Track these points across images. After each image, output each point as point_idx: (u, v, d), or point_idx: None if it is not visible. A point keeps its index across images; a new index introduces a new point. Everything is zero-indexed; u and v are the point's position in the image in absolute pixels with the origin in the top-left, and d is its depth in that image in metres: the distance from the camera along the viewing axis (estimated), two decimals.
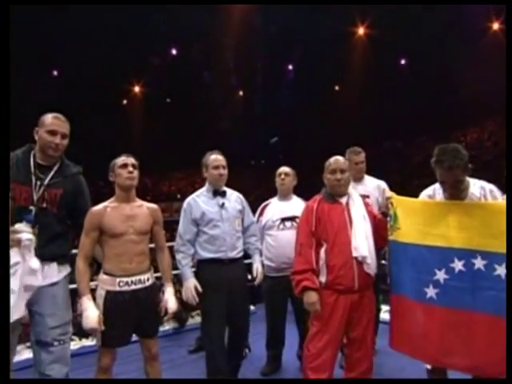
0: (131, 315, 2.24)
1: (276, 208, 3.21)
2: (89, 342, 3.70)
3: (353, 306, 2.39)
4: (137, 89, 22.60)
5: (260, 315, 2.85)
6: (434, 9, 14.80)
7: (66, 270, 2.27)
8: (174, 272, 3.44)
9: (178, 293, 4.14)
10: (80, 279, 2.21)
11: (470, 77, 15.67)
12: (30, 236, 2.00)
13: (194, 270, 2.74)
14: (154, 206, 2.44)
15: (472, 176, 2.20)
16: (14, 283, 1.93)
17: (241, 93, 23.15)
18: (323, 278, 2.40)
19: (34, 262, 2.00)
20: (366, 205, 2.55)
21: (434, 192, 2.31)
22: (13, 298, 1.92)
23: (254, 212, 3.25)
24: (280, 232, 3.11)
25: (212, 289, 2.62)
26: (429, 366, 2.27)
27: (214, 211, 2.70)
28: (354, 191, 2.61)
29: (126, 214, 2.27)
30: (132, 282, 2.23)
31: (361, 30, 18.89)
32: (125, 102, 22.98)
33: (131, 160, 2.31)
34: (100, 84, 17.50)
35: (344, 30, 18.13)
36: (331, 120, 19.46)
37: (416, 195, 2.40)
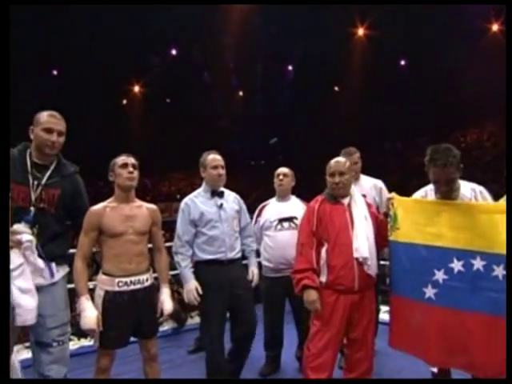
0: (130, 316, 2.24)
1: (274, 209, 3.21)
2: (87, 342, 3.69)
3: (353, 307, 2.39)
4: (136, 89, 22.59)
5: (258, 316, 2.85)
6: (434, 9, 14.79)
7: (65, 270, 2.27)
8: (172, 272, 3.44)
9: (176, 293, 4.18)
10: (78, 279, 2.20)
11: (470, 78, 15.69)
12: (30, 237, 2.00)
13: (192, 270, 2.74)
14: (153, 206, 2.44)
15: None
16: (26, 282, 1.94)
17: (240, 93, 23.15)
18: (324, 278, 2.41)
19: (40, 262, 2.02)
20: (369, 205, 2.55)
21: (426, 193, 2.34)
22: (31, 298, 1.94)
23: (253, 212, 3.26)
24: (278, 233, 3.11)
25: (212, 289, 2.61)
26: (434, 369, 2.27)
27: (213, 212, 2.69)
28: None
29: (126, 214, 2.27)
30: (131, 282, 2.23)
31: (360, 31, 18.90)
32: (124, 101, 22.98)
33: (131, 160, 2.30)
34: (100, 84, 17.50)
35: (344, 30, 18.12)
36: (331, 121, 19.47)
37: None
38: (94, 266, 4.05)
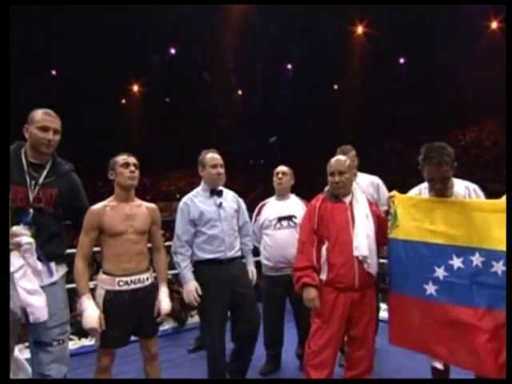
0: (130, 315, 2.24)
1: (273, 207, 3.21)
2: (88, 342, 3.70)
3: (353, 305, 2.40)
4: (136, 88, 22.60)
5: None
6: (434, 8, 14.79)
7: (63, 269, 2.26)
8: (172, 272, 3.44)
9: (175, 293, 4.18)
10: (79, 279, 2.20)
11: (469, 76, 15.70)
12: (30, 239, 1.99)
13: (192, 270, 2.74)
14: (152, 205, 2.44)
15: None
16: (30, 283, 1.94)
17: (240, 92, 23.15)
18: (324, 276, 2.42)
19: (39, 265, 2.01)
20: (370, 204, 2.55)
21: (420, 192, 2.37)
22: (39, 297, 1.94)
23: (252, 211, 3.26)
24: (277, 231, 3.11)
25: (212, 289, 2.60)
26: (439, 366, 2.27)
27: (212, 211, 2.68)
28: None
29: (126, 213, 2.27)
30: (131, 281, 2.23)
31: (360, 29, 18.90)
32: (124, 101, 22.97)
33: (133, 159, 2.31)
34: (99, 83, 17.49)
35: (343, 29, 18.14)
36: (330, 119, 19.47)
37: None
38: (95, 265, 4.05)
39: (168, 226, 4.19)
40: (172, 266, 2.76)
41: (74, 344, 3.68)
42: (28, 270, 1.96)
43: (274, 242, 3.11)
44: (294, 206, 3.17)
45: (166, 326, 4.21)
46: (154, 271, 2.44)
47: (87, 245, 2.23)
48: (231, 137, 21.14)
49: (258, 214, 3.26)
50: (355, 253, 2.35)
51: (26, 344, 3.17)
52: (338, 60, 18.79)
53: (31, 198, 2.08)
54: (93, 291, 2.28)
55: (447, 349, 2.10)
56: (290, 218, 3.11)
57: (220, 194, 2.75)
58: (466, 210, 2.08)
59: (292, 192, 3.30)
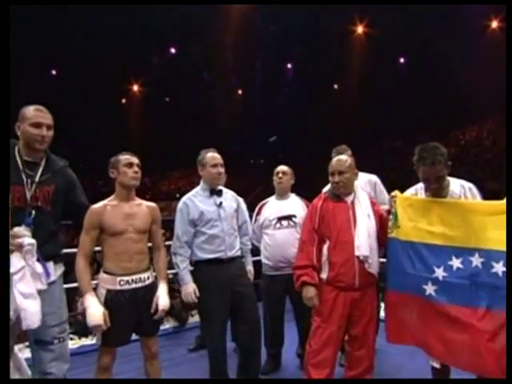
0: (131, 314, 2.25)
1: (273, 207, 3.21)
2: (88, 341, 3.70)
3: (353, 304, 2.41)
4: (136, 88, 22.60)
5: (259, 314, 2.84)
6: (434, 8, 14.79)
7: (61, 268, 2.25)
8: (172, 271, 3.44)
9: (176, 292, 4.18)
10: (81, 277, 2.20)
11: (469, 75, 15.68)
12: (32, 240, 1.97)
13: (191, 269, 2.73)
14: (152, 204, 2.44)
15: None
16: (27, 287, 1.92)
17: (240, 92, 23.15)
18: (325, 275, 2.43)
19: (38, 267, 1.99)
20: (373, 203, 2.55)
21: (417, 192, 2.39)
22: (34, 302, 1.91)
23: (252, 211, 3.26)
24: (277, 231, 3.12)
25: (212, 289, 2.60)
26: (436, 365, 2.28)
27: (212, 210, 2.67)
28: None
29: (126, 212, 2.27)
30: (132, 280, 2.23)
31: (360, 29, 18.90)
32: (124, 101, 22.98)
33: (136, 160, 2.32)
34: (99, 83, 17.50)
35: (343, 28, 18.14)
36: (330, 119, 19.47)
37: None
38: (95, 265, 4.06)
39: (168, 226, 4.19)
40: (172, 265, 2.76)
41: (75, 343, 3.68)
42: (27, 272, 1.95)
43: (273, 242, 3.12)
44: (294, 205, 3.18)
45: (167, 325, 4.22)
46: (154, 270, 2.44)
47: (88, 244, 2.24)
48: (231, 136, 21.12)
49: (258, 213, 3.26)
50: (356, 252, 2.36)
51: (27, 343, 3.18)
52: (338, 60, 18.79)
53: (28, 196, 2.06)
54: (94, 291, 2.28)
55: (446, 349, 2.10)
56: (289, 217, 3.11)
57: (220, 193, 2.74)
58: (464, 211, 2.09)
59: (292, 192, 3.30)
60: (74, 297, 3.96)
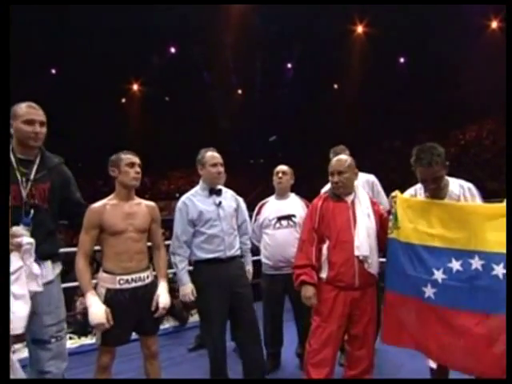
0: (131, 313, 2.25)
1: (273, 207, 3.21)
2: (88, 341, 3.70)
3: (353, 303, 2.41)
4: (135, 87, 22.59)
5: (258, 314, 2.84)
6: (434, 8, 14.78)
7: (59, 267, 2.25)
8: (172, 271, 3.44)
9: (177, 291, 4.18)
10: (82, 276, 2.20)
11: (469, 75, 15.68)
12: (31, 240, 1.96)
13: (190, 268, 2.73)
14: (152, 203, 2.45)
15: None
16: (21, 288, 1.89)
17: (240, 91, 23.13)
18: (324, 274, 2.43)
19: (36, 268, 1.97)
20: (373, 203, 2.55)
21: (416, 192, 2.39)
22: (24, 305, 1.88)
23: (252, 211, 3.26)
24: (276, 231, 3.12)
25: (212, 288, 2.60)
26: (433, 365, 2.28)
27: (211, 210, 2.66)
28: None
29: (126, 211, 2.27)
30: (132, 279, 2.24)
31: (359, 29, 18.89)
32: (123, 100, 22.97)
33: (137, 160, 2.33)
34: (99, 83, 17.49)
35: (343, 28, 18.13)
36: (330, 118, 19.46)
37: None
38: (95, 264, 4.06)
39: (168, 225, 4.19)
40: (171, 264, 2.76)
41: (74, 343, 3.68)
42: (23, 273, 1.93)
43: (273, 242, 3.12)
44: (294, 205, 3.18)
45: (167, 324, 4.22)
46: (154, 269, 2.44)
47: (88, 243, 2.24)
48: (231, 136, 21.10)
49: (258, 213, 3.26)
50: (356, 252, 2.36)
51: (25, 343, 3.17)
52: (337, 60, 18.78)
53: (24, 195, 2.04)
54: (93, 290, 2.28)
55: (445, 352, 2.09)
56: (289, 217, 3.11)
57: (219, 192, 2.74)
58: (464, 213, 2.08)
59: (292, 191, 3.30)
60: (73, 296, 3.96)
